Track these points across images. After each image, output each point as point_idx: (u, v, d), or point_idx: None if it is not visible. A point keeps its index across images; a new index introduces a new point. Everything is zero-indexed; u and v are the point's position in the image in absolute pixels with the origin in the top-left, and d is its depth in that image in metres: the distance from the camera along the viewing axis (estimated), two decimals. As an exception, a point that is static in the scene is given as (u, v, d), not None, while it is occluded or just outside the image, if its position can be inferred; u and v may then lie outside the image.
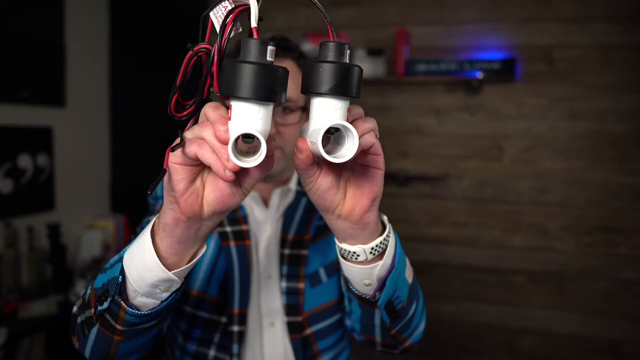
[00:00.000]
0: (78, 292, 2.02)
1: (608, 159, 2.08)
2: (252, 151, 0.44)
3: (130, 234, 2.52)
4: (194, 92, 0.47)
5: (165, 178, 0.47)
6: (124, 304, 0.55)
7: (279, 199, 0.88)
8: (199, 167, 0.46)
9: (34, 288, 2.01)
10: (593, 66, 2.07)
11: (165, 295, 0.55)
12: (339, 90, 0.43)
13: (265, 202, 0.89)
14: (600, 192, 2.10)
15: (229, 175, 0.42)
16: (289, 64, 0.83)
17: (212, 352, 0.82)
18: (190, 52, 0.45)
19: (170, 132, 2.70)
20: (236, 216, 0.86)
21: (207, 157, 0.42)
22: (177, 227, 0.49)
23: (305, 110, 0.86)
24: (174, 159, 0.45)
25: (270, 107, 0.42)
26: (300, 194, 0.90)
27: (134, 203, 2.06)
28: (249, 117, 0.41)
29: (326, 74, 0.43)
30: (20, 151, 2.07)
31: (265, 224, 0.87)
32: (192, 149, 0.43)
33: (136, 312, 0.55)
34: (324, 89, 0.43)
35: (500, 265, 2.22)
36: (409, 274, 0.63)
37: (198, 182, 0.47)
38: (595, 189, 2.10)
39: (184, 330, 0.85)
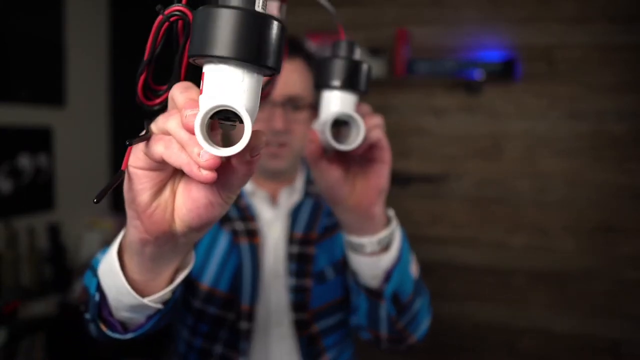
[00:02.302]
0: (78, 291, 2.02)
1: (608, 159, 2.08)
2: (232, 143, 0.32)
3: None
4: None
5: (125, 185, 0.36)
6: (103, 327, 0.51)
7: (287, 198, 0.89)
8: (168, 172, 0.36)
9: (34, 288, 2.01)
10: (593, 66, 2.07)
11: (151, 312, 0.48)
12: (348, 84, 0.46)
13: (273, 201, 0.90)
14: (600, 192, 2.10)
15: (206, 175, 0.30)
16: (298, 64, 0.84)
17: (218, 349, 0.82)
18: (160, 17, 0.35)
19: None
20: (245, 215, 0.86)
21: (175, 157, 0.32)
22: (144, 247, 0.39)
23: (315, 108, 0.87)
24: (135, 161, 0.35)
25: (259, 79, 0.31)
26: (307, 194, 0.91)
27: (134, 203, 2.06)
28: (228, 86, 0.30)
29: (337, 69, 0.46)
30: (20, 151, 2.07)
31: (273, 223, 0.88)
32: (156, 149, 0.33)
33: (119, 336, 0.51)
34: (335, 83, 0.46)
35: (500, 265, 2.22)
36: (414, 270, 0.65)
37: (167, 192, 0.37)
38: (595, 189, 2.10)
39: (190, 325, 0.85)
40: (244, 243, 0.83)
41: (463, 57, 2.18)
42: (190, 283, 0.83)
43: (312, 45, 2.23)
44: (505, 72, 2.08)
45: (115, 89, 2.61)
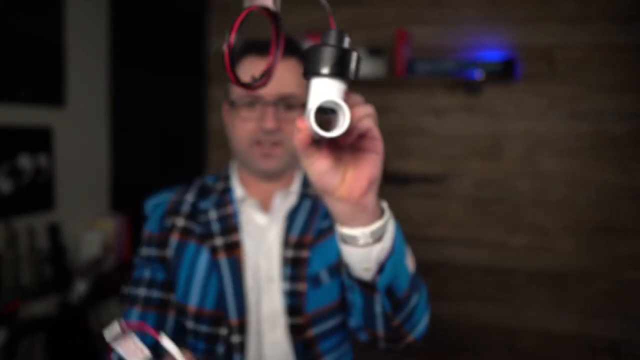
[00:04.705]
0: (78, 292, 2.02)
1: (608, 159, 2.08)
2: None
3: (130, 234, 2.52)
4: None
5: None
6: None
7: (281, 202, 0.88)
8: None
9: (34, 288, 2.01)
10: (593, 66, 2.07)
11: None
12: (336, 71, 0.46)
13: (264, 208, 0.89)
14: (600, 192, 2.10)
15: None
16: (292, 62, 0.84)
17: None
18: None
19: (170, 132, 2.67)
20: (228, 225, 0.86)
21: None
22: None
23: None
24: None
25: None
26: (304, 195, 0.90)
27: (134, 203, 2.07)
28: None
29: (325, 56, 0.46)
30: (20, 151, 2.07)
31: (268, 228, 0.87)
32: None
33: None
34: (322, 70, 0.46)
35: (500, 265, 2.22)
36: (410, 263, 0.64)
37: None
38: (595, 189, 2.10)
39: (191, 344, 0.86)
40: (222, 259, 0.84)
41: (463, 57, 2.18)
42: (179, 307, 0.84)
43: (311, 44, 2.23)
44: (505, 72, 2.08)
45: (115, 89, 2.61)
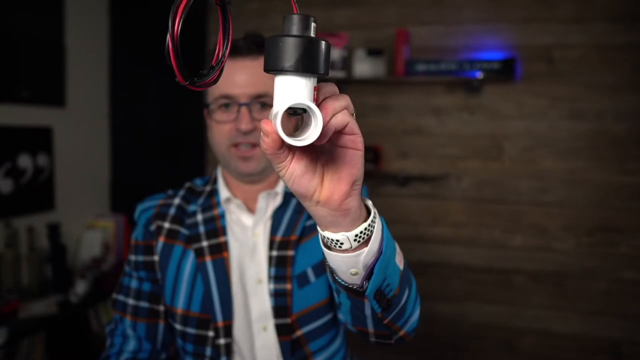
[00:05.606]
0: (78, 292, 2.02)
1: (608, 159, 2.08)
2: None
3: (129, 235, 2.52)
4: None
5: None
6: None
7: (266, 202, 0.87)
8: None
9: (34, 288, 2.01)
10: (593, 66, 2.07)
11: None
12: (302, 66, 0.38)
13: (250, 209, 0.89)
14: (600, 192, 2.10)
15: None
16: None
17: None
18: None
19: (170, 132, 2.66)
20: (214, 227, 0.86)
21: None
22: None
23: None
24: None
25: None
26: (290, 194, 0.89)
27: (134, 203, 2.07)
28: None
29: (288, 48, 0.38)
30: (20, 151, 2.07)
31: (255, 229, 0.87)
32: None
33: None
34: (286, 65, 0.38)
35: (500, 265, 2.22)
36: (399, 260, 0.59)
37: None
38: (595, 189, 2.10)
39: (181, 346, 0.86)
40: (208, 261, 0.84)
41: (463, 57, 2.18)
42: (168, 309, 0.85)
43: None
44: (505, 72, 2.08)
45: (115, 89, 2.61)
